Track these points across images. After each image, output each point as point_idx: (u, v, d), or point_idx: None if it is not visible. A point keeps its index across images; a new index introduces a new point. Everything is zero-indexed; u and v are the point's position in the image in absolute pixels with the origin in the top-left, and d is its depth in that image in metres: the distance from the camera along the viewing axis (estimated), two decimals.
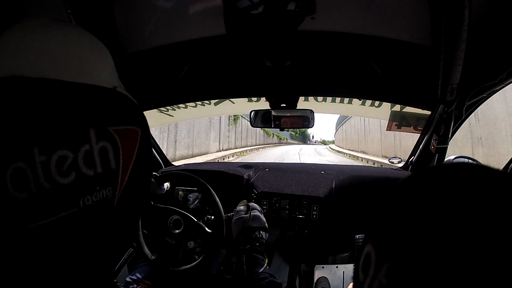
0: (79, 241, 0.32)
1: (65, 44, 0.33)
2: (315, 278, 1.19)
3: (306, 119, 1.41)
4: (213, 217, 1.08)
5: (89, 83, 0.33)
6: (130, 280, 1.03)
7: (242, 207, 1.01)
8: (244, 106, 2.14)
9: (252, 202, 1.10)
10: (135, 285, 1.00)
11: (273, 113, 1.43)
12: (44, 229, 0.29)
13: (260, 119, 1.47)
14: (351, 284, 0.28)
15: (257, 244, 0.88)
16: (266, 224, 0.96)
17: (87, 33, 0.37)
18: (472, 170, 0.22)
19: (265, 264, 0.83)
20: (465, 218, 0.19)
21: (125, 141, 0.35)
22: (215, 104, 2.22)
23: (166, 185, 1.14)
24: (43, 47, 0.32)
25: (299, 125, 1.45)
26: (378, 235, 0.24)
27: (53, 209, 0.29)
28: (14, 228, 0.28)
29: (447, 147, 1.19)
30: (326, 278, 1.16)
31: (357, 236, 1.10)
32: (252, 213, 0.94)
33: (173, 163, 1.75)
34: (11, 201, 0.27)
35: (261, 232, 0.91)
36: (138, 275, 1.04)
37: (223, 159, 13.12)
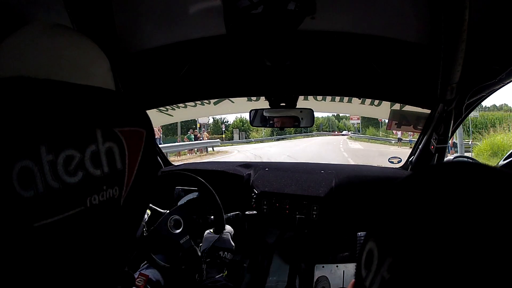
0: (85, 239, 0.32)
1: (69, 48, 0.34)
2: (315, 278, 1.19)
3: (306, 119, 1.41)
4: (213, 217, 1.08)
5: (94, 85, 0.34)
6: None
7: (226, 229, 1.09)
8: (243, 105, 2.15)
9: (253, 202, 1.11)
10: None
11: (272, 112, 1.43)
12: (51, 227, 0.29)
13: (260, 119, 1.47)
14: (352, 280, 0.28)
15: (218, 261, 0.97)
16: (233, 248, 1.02)
17: (86, 38, 0.37)
18: (472, 169, 0.23)
19: (222, 274, 0.93)
20: (464, 215, 0.20)
21: (131, 142, 0.36)
22: (215, 103, 2.22)
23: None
24: (48, 50, 0.33)
25: (294, 123, 1.45)
26: (380, 231, 0.25)
27: (59, 207, 0.29)
28: (20, 227, 0.28)
29: (446, 146, 1.19)
30: (326, 277, 1.17)
31: (359, 233, 1.10)
32: (222, 236, 1.02)
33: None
34: (17, 200, 0.27)
35: (225, 253, 0.99)
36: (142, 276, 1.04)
37: None
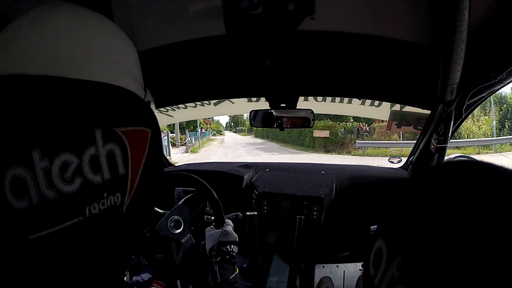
0: (85, 251, 0.30)
1: (71, 36, 0.30)
2: (316, 277, 1.19)
3: (306, 119, 1.41)
4: (213, 217, 1.08)
5: (95, 80, 0.31)
6: (135, 282, 1.02)
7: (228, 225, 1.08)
8: (243, 106, 2.14)
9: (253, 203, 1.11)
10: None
11: (273, 113, 1.43)
12: (47, 239, 0.27)
13: (260, 119, 1.47)
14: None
15: (227, 256, 0.95)
16: (237, 239, 1.01)
17: (99, 18, 0.33)
18: (475, 167, 0.23)
19: (236, 272, 0.92)
20: (469, 212, 0.20)
21: (134, 144, 0.32)
22: (215, 104, 2.22)
23: None
24: (43, 40, 0.29)
25: (299, 125, 1.45)
26: (389, 230, 0.25)
27: (56, 218, 0.27)
28: (13, 239, 0.26)
29: (446, 146, 1.19)
30: (330, 278, 1.17)
31: (372, 227, 1.10)
32: (224, 229, 1.00)
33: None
34: (10, 211, 0.25)
35: (231, 246, 0.98)
36: (144, 277, 1.04)
37: None
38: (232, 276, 0.89)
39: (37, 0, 0.32)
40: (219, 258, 0.93)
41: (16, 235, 0.25)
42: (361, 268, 1.04)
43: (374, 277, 0.24)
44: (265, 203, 1.28)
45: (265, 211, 1.28)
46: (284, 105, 1.38)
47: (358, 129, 16.47)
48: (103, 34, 0.33)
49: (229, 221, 1.06)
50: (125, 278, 1.22)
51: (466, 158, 1.23)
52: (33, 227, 0.26)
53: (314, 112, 1.43)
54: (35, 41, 0.29)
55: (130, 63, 0.36)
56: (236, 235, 1.02)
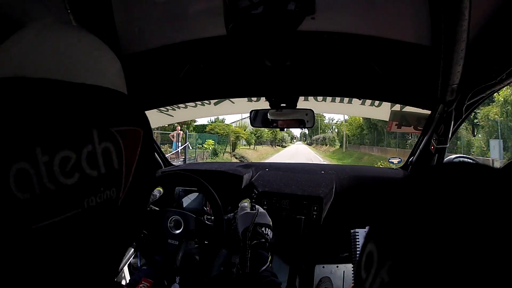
0: (83, 241, 0.32)
1: (68, 45, 0.34)
2: (316, 278, 1.19)
3: (306, 119, 1.41)
4: (213, 217, 1.08)
5: (91, 83, 0.33)
6: (133, 281, 1.03)
7: (246, 204, 1.01)
8: (244, 106, 2.15)
9: (253, 202, 1.11)
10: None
11: (273, 113, 1.43)
12: (48, 229, 0.29)
13: (260, 119, 1.47)
14: (351, 285, 0.28)
15: (263, 240, 0.85)
16: (271, 223, 0.94)
17: (90, 35, 0.37)
18: (472, 169, 0.23)
19: (268, 262, 0.82)
20: (464, 217, 0.19)
21: (128, 142, 0.35)
22: (215, 104, 2.22)
23: (158, 191, 1.15)
24: (46, 48, 0.32)
25: (299, 125, 1.45)
26: (379, 234, 0.25)
27: (57, 209, 0.29)
28: (18, 229, 0.28)
29: (446, 147, 1.19)
30: (329, 278, 1.16)
31: (353, 230, 1.07)
32: (260, 210, 0.93)
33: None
34: (15, 202, 0.27)
35: (267, 229, 0.89)
36: (141, 276, 1.04)
37: None
38: (263, 268, 0.78)
39: (40, 5, 0.36)
40: (254, 241, 0.82)
41: (21, 224, 0.28)
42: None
43: (366, 280, 0.24)
44: (265, 202, 1.29)
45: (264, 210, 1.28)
46: (284, 105, 1.38)
47: None
48: (94, 46, 0.37)
49: (259, 206, 0.99)
50: (124, 278, 1.23)
51: (466, 160, 1.23)
52: (36, 217, 0.28)
53: (315, 112, 1.43)
54: (37, 49, 0.32)
55: (115, 70, 0.40)
56: (270, 219, 0.93)
